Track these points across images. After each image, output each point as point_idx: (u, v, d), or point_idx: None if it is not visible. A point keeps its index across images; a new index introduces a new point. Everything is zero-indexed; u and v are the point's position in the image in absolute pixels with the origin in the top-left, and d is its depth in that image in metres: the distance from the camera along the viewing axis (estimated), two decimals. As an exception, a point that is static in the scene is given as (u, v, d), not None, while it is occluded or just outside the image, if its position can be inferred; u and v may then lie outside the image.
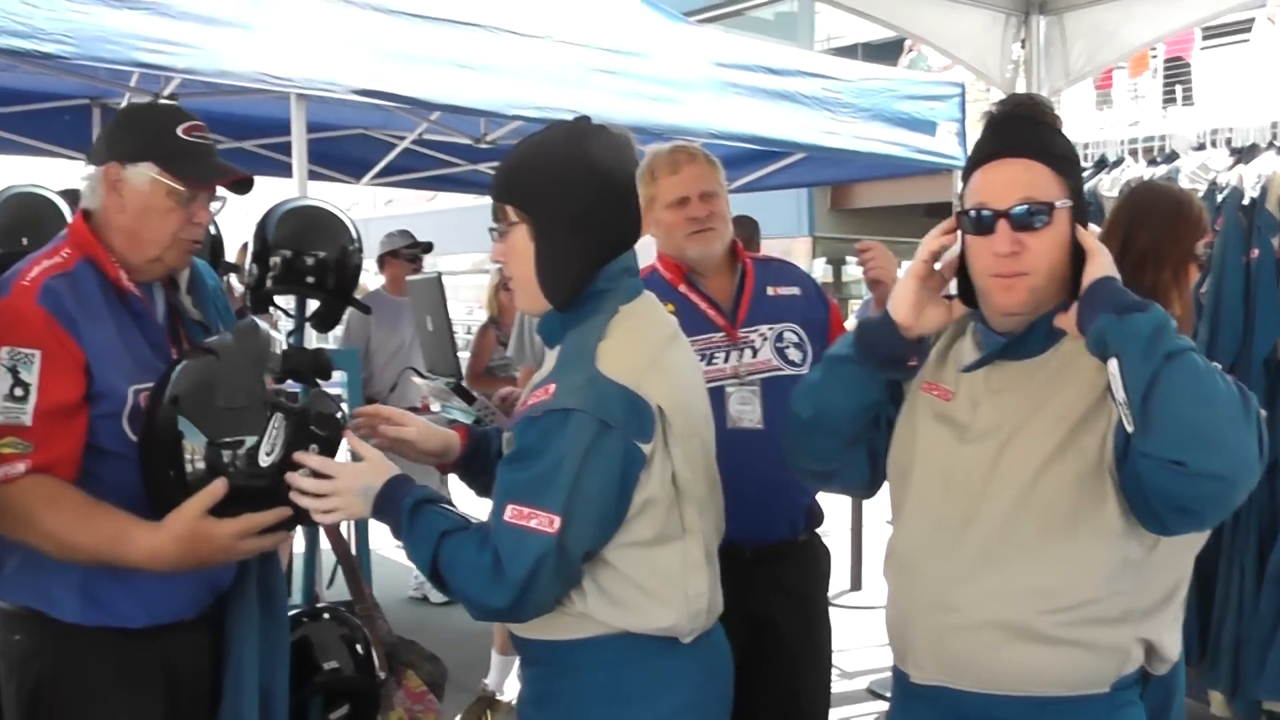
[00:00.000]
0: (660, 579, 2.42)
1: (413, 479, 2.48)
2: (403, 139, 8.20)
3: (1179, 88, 16.37)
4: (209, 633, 2.80)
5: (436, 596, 7.68)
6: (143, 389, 2.58)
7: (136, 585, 2.59)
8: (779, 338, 3.56)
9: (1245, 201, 5.35)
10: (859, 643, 6.71)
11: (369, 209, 28.44)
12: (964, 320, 2.45)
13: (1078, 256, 2.24)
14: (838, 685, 5.95)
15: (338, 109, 6.54)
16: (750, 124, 5.96)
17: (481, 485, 2.77)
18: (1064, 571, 2.22)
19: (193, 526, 2.45)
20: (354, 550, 3.72)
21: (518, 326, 5.85)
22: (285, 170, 5.42)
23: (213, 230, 4.19)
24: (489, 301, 7.94)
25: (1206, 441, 1.99)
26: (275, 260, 3.77)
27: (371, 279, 8.86)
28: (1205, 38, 16.09)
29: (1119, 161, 6.37)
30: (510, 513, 2.27)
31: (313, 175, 5.07)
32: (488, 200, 2.61)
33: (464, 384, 5.32)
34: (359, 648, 3.38)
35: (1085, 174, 4.73)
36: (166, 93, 6.64)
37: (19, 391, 2.47)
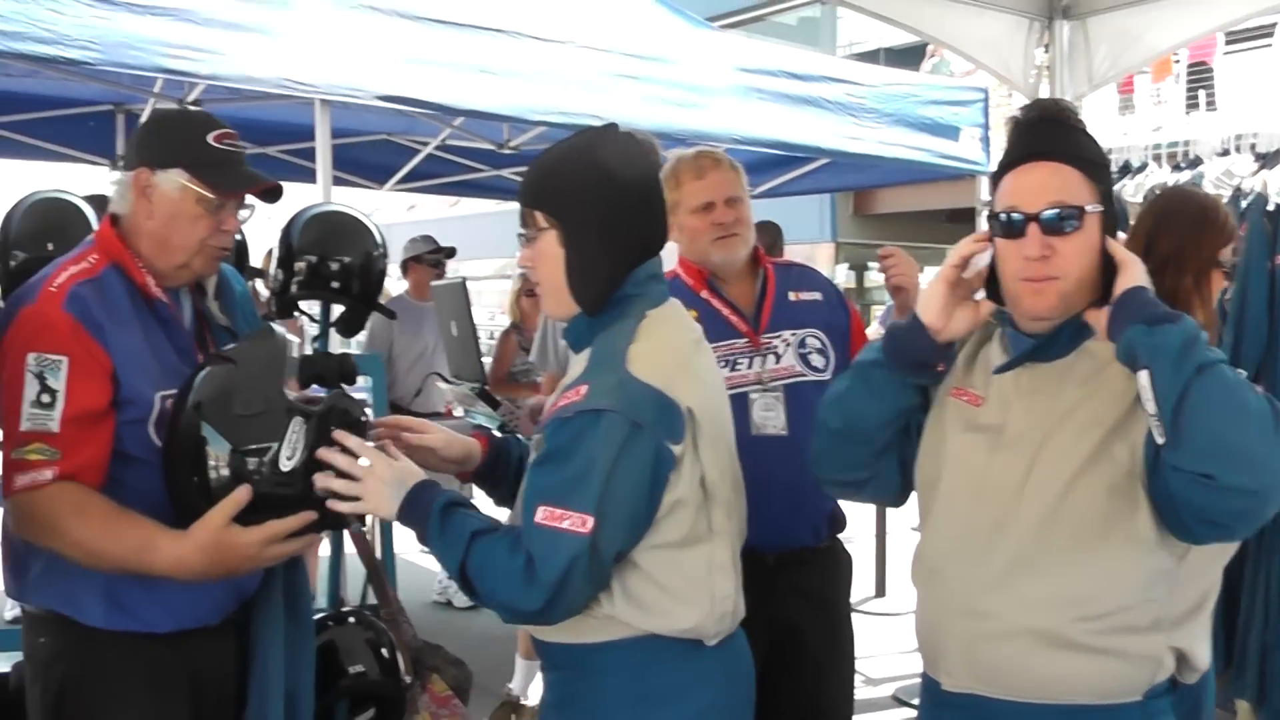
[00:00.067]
0: (686, 581, 2.41)
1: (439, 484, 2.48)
2: (426, 144, 8.22)
3: (1202, 92, 16.31)
4: (234, 638, 2.80)
5: (460, 601, 7.68)
6: (169, 395, 2.58)
7: (162, 591, 2.58)
8: (802, 343, 3.56)
9: (1270, 207, 5.33)
10: (884, 649, 6.70)
11: (392, 214, 28.49)
12: (989, 326, 2.45)
13: (1107, 262, 2.23)
14: (862, 692, 5.94)
15: (361, 114, 6.56)
16: (774, 129, 5.96)
17: (501, 493, 2.77)
18: (1096, 579, 2.20)
19: (217, 536, 2.44)
20: (379, 555, 3.72)
21: (541, 332, 5.86)
22: (309, 176, 5.44)
23: (238, 235, 4.21)
24: (511, 307, 7.96)
25: (1237, 456, 1.98)
26: (300, 265, 3.78)
27: (394, 284, 8.88)
28: (1228, 42, 16.03)
29: (1142, 167, 6.36)
30: (542, 514, 2.27)
31: (336, 181, 5.08)
32: (510, 206, 2.61)
33: (488, 389, 5.33)
34: (384, 652, 3.38)
35: (1110, 179, 4.71)
36: (190, 99, 6.67)
37: (46, 398, 2.47)
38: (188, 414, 2.49)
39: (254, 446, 2.47)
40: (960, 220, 18.23)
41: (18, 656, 3.00)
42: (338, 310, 3.98)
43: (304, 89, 4.61)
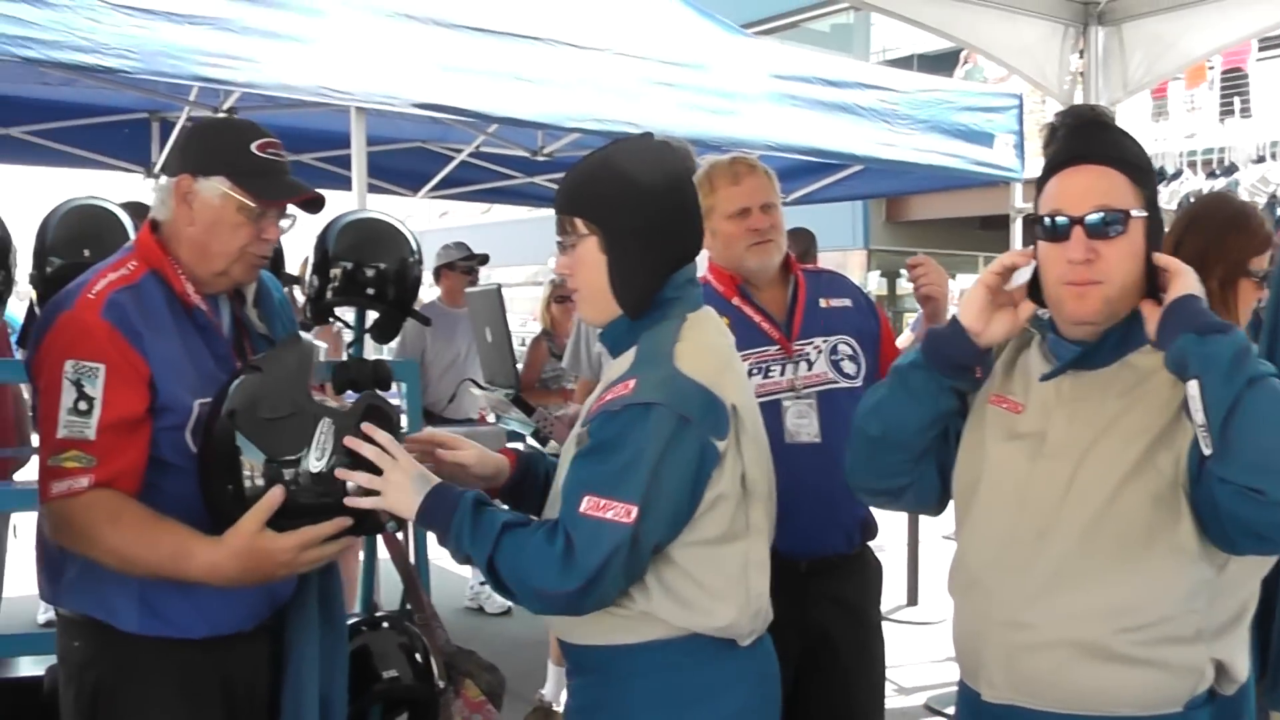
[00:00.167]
0: (723, 578, 2.43)
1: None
2: (460, 151, 8.24)
3: (1237, 99, 16.21)
4: (267, 643, 2.80)
5: (492, 607, 7.70)
6: (207, 402, 2.58)
7: (196, 597, 2.58)
8: (834, 350, 3.54)
9: (1307, 213, 5.29)
10: (916, 658, 6.68)
11: (424, 221, 28.60)
12: (1027, 332, 2.44)
13: (1151, 268, 2.22)
14: (895, 701, 5.94)
15: (396, 122, 6.59)
16: (807, 136, 5.96)
17: (527, 509, 2.78)
18: (1139, 590, 2.19)
19: (252, 541, 2.43)
20: (412, 560, 3.73)
21: (574, 338, 5.87)
22: (343, 183, 5.48)
23: (273, 243, 4.24)
24: (542, 314, 7.98)
25: None
26: (335, 272, 3.80)
27: (426, 291, 8.90)
28: (1261, 48, 15.93)
29: (1177, 174, 6.33)
30: (587, 504, 2.28)
31: (370, 188, 5.10)
32: (543, 213, 2.63)
33: (522, 395, 5.34)
34: (418, 657, 3.39)
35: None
36: (225, 107, 6.72)
37: (83, 405, 2.47)
38: (222, 422, 2.49)
39: (289, 458, 2.47)
40: (993, 227, 18.20)
41: (51, 660, 3.02)
42: (372, 317, 4.00)
43: (340, 97, 4.64)
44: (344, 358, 4.11)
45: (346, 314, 4.07)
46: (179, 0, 4.19)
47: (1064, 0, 6.61)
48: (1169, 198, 5.95)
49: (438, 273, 7.88)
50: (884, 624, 3.80)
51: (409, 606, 3.58)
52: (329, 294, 3.84)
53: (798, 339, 3.52)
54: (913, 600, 8.04)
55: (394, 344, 6.62)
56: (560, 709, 5.68)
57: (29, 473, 4.89)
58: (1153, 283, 2.22)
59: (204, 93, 6.48)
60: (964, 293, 2.46)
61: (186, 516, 2.51)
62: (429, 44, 4.78)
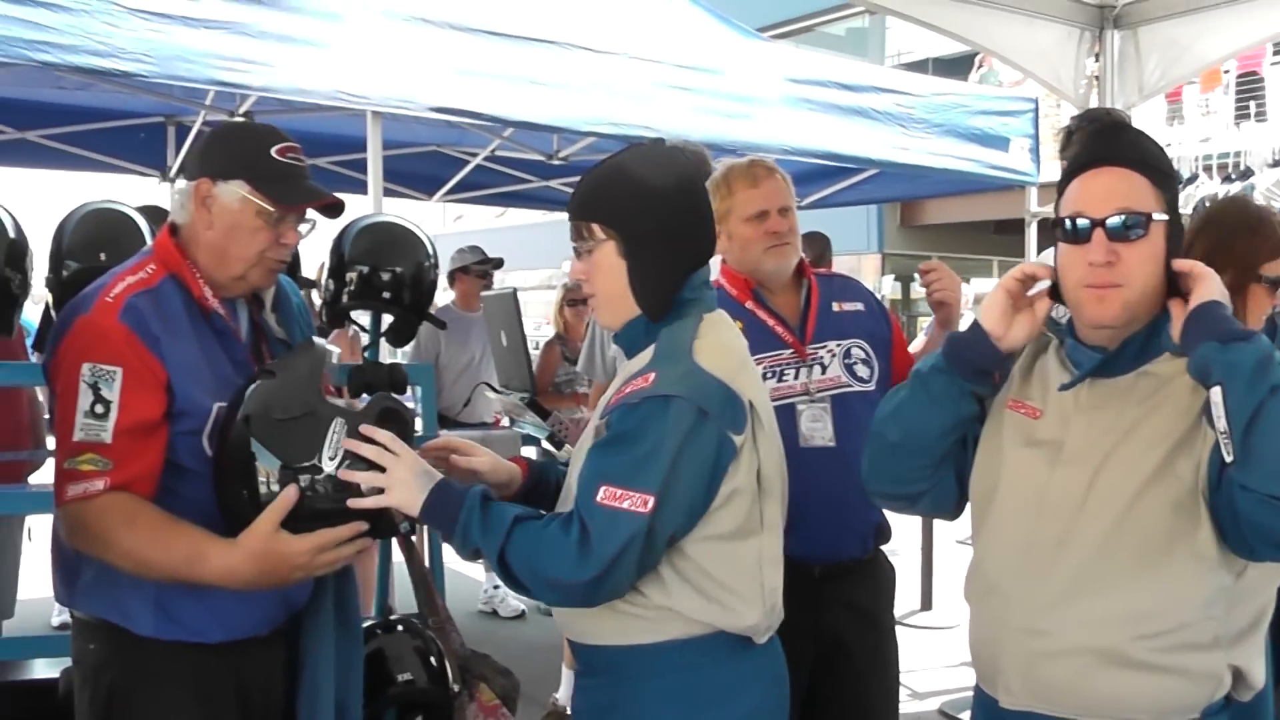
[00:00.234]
0: (739, 574, 2.44)
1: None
2: (475, 155, 8.26)
3: (1252, 103, 16.15)
4: (283, 648, 2.79)
5: (506, 611, 7.71)
6: (223, 407, 2.58)
7: (212, 601, 2.58)
8: (847, 354, 3.54)
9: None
10: (930, 663, 6.67)
11: (438, 225, 28.64)
12: (1044, 337, 2.44)
13: (1171, 272, 2.22)
14: (909, 706, 5.93)
15: (411, 126, 6.60)
16: (823, 140, 5.96)
17: None
18: (1159, 597, 2.18)
19: (267, 543, 2.43)
20: (427, 564, 3.73)
21: (589, 342, 5.87)
22: (359, 187, 5.48)
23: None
24: (555, 318, 7.99)
25: None
26: (351, 276, 3.81)
27: (440, 295, 8.91)
28: (1276, 52, 15.88)
29: (1192, 178, 6.31)
30: (604, 493, 2.30)
31: (385, 192, 5.11)
32: (557, 216, 2.64)
33: (538, 399, 5.34)
34: (433, 660, 3.38)
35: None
36: (241, 111, 6.74)
37: (100, 409, 2.47)
38: (237, 428, 2.49)
39: (304, 464, 2.47)
40: (1008, 231, 18.16)
41: (66, 662, 3.02)
42: (388, 320, 4.00)
43: (356, 101, 4.65)
44: (359, 361, 4.11)
45: (362, 318, 4.08)
46: (195, 5, 4.21)
47: (1080, 4, 6.60)
48: (1184, 201, 5.92)
49: (452, 276, 7.89)
50: (898, 629, 3.80)
51: (424, 610, 3.58)
52: (345, 298, 3.85)
53: (811, 343, 3.51)
54: (927, 605, 8.02)
55: (408, 348, 6.63)
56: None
57: (44, 475, 4.91)
58: (1174, 286, 2.22)
59: (220, 97, 6.51)
60: (978, 298, 2.45)
61: (202, 521, 2.50)
62: (445, 48, 4.79)
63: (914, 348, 3.97)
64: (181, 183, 2.74)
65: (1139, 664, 2.19)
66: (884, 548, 3.67)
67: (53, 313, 3.79)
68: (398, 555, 3.72)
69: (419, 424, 4.00)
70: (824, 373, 3.49)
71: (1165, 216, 2.22)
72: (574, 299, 7.56)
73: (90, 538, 2.50)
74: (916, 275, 3.72)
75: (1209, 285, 2.16)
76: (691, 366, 2.40)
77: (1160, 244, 2.22)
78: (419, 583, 3.51)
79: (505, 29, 4.96)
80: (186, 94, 6.53)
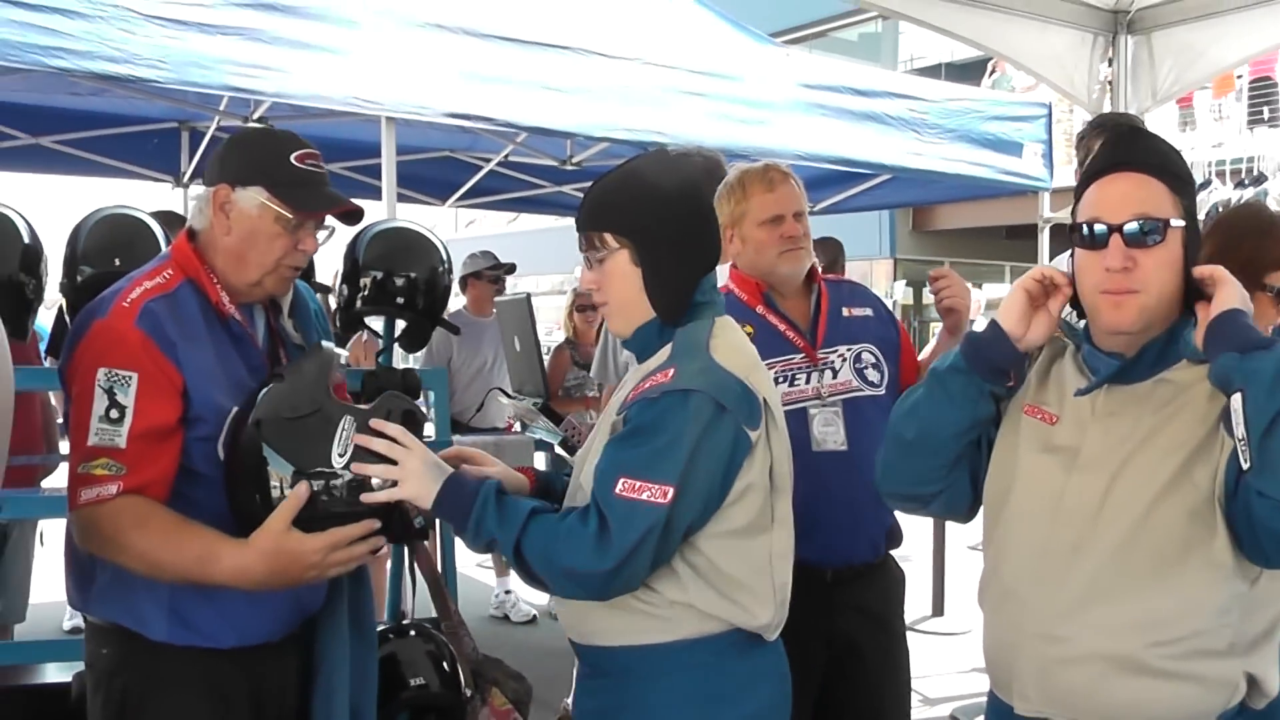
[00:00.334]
0: (751, 570, 2.47)
1: None
2: (489, 161, 8.27)
3: (1266, 108, 16.11)
4: (296, 654, 2.79)
5: (517, 615, 7.71)
6: (237, 412, 2.58)
7: (225, 606, 2.58)
8: (858, 358, 3.53)
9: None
10: (942, 669, 6.66)
11: (450, 230, 28.67)
12: (1060, 342, 2.44)
13: (1189, 277, 2.22)
14: (921, 711, 5.92)
15: (425, 131, 6.62)
16: (836, 146, 5.97)
17: None
18: (1173, 604, 2.18)
19: (279, 541, 2.43)
20: (439, 568, 3.73)
21: (601, 346, 5.87)
22: (372, 192, 5.50)
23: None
24: (565, 323, 8.00)
25: None
26: (366, 281, 3.82)
27: (452, 300, 8.92)
28: (1287, 57, 15.84)
29: (1206, 183, 6.29)
30: (622, 486, 2.33)
31: (399, 197, 5.12)
32: (570, 221, 2.66)
33: (551, 404, 5.35)
34: (445, 664, 3.38)
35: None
36: (255, 116, 6.75)
37: (114, 413, 2.47)
38: (248, 432, 2.49)
39: (315, 469, 2.47)
40: (1020, 237, 18.14)
41: (78, 666, 3.03)
42: (401, 326, 4.01)
43: (371, 106, 4.66)
44: (372, 367, 4.12)
45: (376, 323, 4.09)
46: (210, 11, 4.22)
47: (1093, 9, 6.59)
48: (1197, 207, 5.90)
49: (464, 282, 7.91)
50: (910, 634, 3.79)
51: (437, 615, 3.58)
52: (359, 303, 3.85)
53: (822, 347, 3.52)
54: (938, 611, 8.01)
55: (421, 353, 6.65)
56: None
57: (56, 480, 4.92)
58: (1191, 292, 2.22)
59: (234, 102, 6.52)
60: (990, 303, 2.46)
61: (216, 527, 2.50)
62: (459, 53, 4.80)
63: (925, 354, 3.97)
64: (201, 188, 2.74)
65: (1154, 671, 2.18)
66: (896, 553, 3.67)
67: (66, 318, 3.80)
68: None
69: (432, 429, 4.01)
70: (835, 377, 3.48)
71: (1183, 222, 2.22)
72: (584, 304, 7.57)
73: (103, 541, 2.50)
74: (928, 281, 3.72)
75: (1229, 292, 2.16)
76: (709, 363, 2.43)
77: (1178, 250, 2.22)
78: (431, 587, 3.52)
79: (519, 34, 4.97)
80: (201, 99, 6.55)
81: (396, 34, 4.65)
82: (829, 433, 3.44)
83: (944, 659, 6.81)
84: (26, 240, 3.74)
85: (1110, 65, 6.71)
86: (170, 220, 4.44)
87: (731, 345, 2.53)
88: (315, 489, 2.46)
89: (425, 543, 3.47)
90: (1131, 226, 2.19)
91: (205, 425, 2.56)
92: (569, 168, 8.34)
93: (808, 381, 3.46)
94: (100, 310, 2.57)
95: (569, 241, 2.62)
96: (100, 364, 2.49)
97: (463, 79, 4.80)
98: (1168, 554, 2.18)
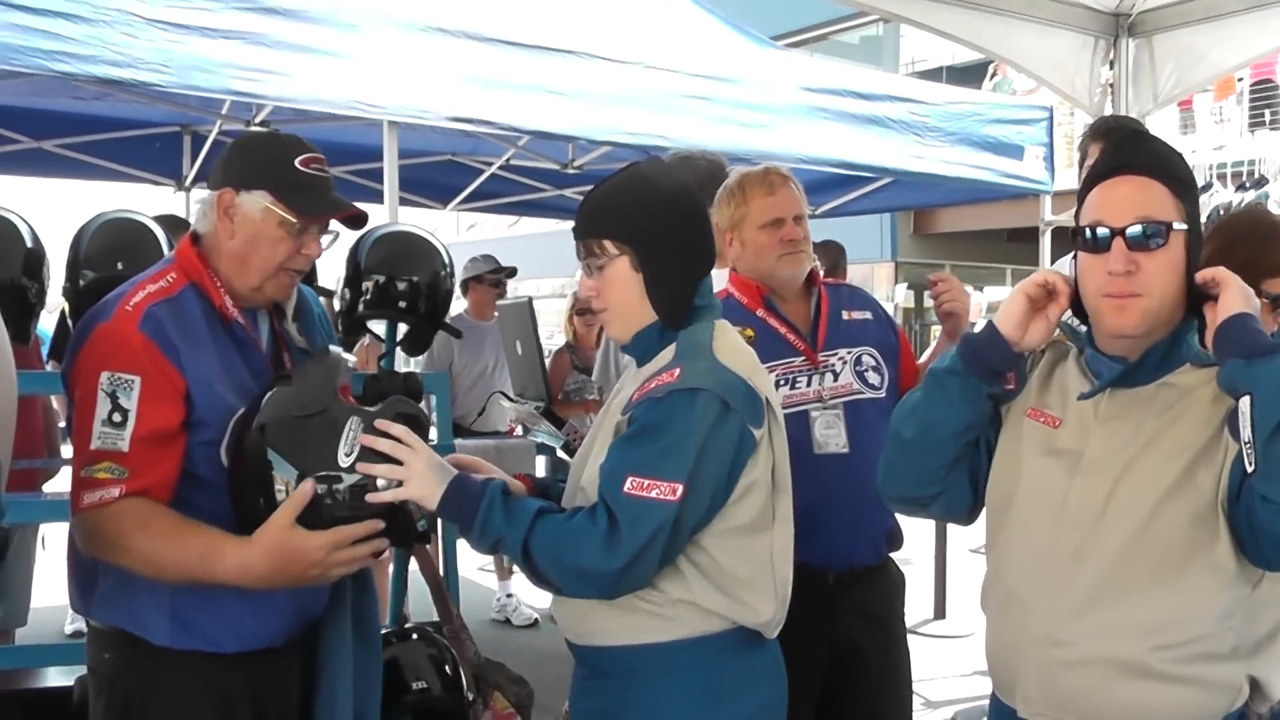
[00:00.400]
0: (753, 568, 2.50)
1: None
2: (490, 165, 8.27)
3: (1267, 111, 16.12)
4: (299, 660, 2.78)
5: (519, 619, 7.70)
6: (240, 416, 2.58)
7: (227, 611, 2.58)
8: (858, 361, 3.54)
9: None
10: (944, 672, 6.65)
11: (451, 234, 28.66)
12: (1063, 345, 2.44)
13: (1191, 280, 2.22)
14: (923, 714, 5.91)
15: (426, 135, 6.62)
16: (838, 149, 5.98)
17: None
18: (1176, 608, 2.18)
19: (282, 538, 2.42)
20: (441, 572, 3.73)
21: (603, 351, 5.88)
22: (374, 196, 5.51)
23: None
24: (565, 327, 8.00)
25: None
26: (368, 285, 3.83)
27: (454, 303, 8.92)
28: (1286, 59, 15.84)
29: (1206, 186, 6.29)
30: (630, 484, 2.35)
31: (400, 201, 5.13)
32: (570, 225, 2.67)
33: (553, 408, 5.35)
34: (447, 668, 3.38)
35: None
36: (257, 120, 6.75)
37: (117, 417, 2.47)
38: (253, 436, 2.49)
39: (321, 473, 2.47)
40: (1021, 240, 18.14)
41: (79, 670, 3.02)
42: (403, 329, 4.01)
43: (373, 110, 4.67)
44: (374, 370, 4.12)
45: (378, 327, 4.09)
46: (213, 16, 4.23)
47: (1094, 12, 6.59)
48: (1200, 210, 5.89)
49: (465, 285, 7.91)
50: (912, 637, 3.80)
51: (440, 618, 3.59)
52: (361, 307, 3.86)
53: (823, 350, 3.52)
54: (940, 614, 8.00)
55: (422, 357, 6.65)
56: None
57: (58, 484, 4.92)
58: (1195, 295, 2.22)
59: (236, 106, 6.52)
60: (991, 306, 2.45)
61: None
62: (461, 57, 4.80)
63: (925, 358, 3.98)
64: (203, 192, 2.74)
65: (1157, 674, 2.18)
66: (897, 556, 3.67)
67: (69, 321, 3.80)
68: (412, 564, 3.73)
69: (434, 433, 4.01)
70: (836, 380, 3.49)
71: (1185, 226, 2.22)
72: (583, 308, 7.56)
73: (105, 543, 2.50)
74: (927, 285, 3.72)
75: (1234, 294, 2.16)
76: (714, 363, 2.46)
77: (1180, 253, 2.22)
78: (433, 591, 3.52)
79: (521, 39, 4.98)
80: (203, 103, 6.55)
81: (398, 38, 4.66)
82: (830, 435, 3.44)
83: (946, 662, 6.81)
84: (29, 244, 3.74)
85: (1111, 68, 6.72)
86: (173, 224, 4.44)
87: (733, 347, 2.56)
88: (319, 492, 2.46)
89: (427, 546, 3.48)
90: (1134, 230, 2.19)
91: (208, 429, 2.56)
92: (570, 171, 8.35)
93: (809, 384, 3.46)
94: (103, 314, 2.57)
95: (570, 245, 2.63)
96: (103, 368, 2.49)
97: (464, 83, 4.80)
98: (1170, 558, 2.18)
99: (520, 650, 6.50)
